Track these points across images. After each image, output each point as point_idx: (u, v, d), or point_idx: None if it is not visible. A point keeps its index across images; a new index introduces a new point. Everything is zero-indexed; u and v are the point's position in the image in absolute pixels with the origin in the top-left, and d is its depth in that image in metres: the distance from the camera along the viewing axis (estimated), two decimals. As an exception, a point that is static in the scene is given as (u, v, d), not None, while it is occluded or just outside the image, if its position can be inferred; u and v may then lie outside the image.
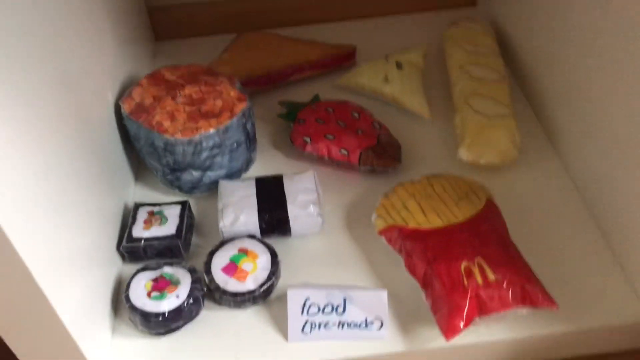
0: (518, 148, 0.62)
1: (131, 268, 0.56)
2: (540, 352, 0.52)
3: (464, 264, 0.49)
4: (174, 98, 0.59)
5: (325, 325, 0.50)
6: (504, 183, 0.62)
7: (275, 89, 0.75)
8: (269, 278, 0.52)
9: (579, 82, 0.57)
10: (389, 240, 0.55)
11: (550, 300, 0.48)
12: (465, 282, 0.48)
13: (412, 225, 0.53)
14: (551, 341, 0.51)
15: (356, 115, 0.66)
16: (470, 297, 0.47)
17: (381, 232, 0.56)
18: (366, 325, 0.50)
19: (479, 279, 0.48)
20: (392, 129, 0.68)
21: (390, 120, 0.69)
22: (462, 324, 0.46)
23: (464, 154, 0.61)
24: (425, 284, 0.50)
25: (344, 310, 0.50)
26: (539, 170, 0.63)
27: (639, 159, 0.49)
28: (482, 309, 0.47)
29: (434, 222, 0.53)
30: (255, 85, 0.73)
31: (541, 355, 0.52)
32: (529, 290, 0.48)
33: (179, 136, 0.57)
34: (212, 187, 0.61)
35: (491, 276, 0.48)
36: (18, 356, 0.46)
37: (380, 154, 0.63)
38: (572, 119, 0.61)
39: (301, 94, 0.73)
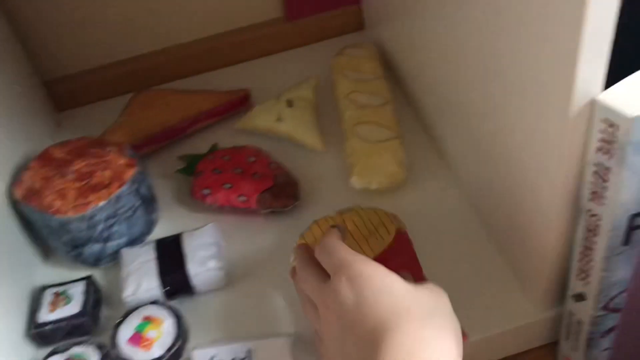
0: (405, 168, 0.64)
1: (46, 352, 0.56)
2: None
3: None
4: (63, 176, 0.60)
5: (234, 379, 0.52)
6: (398, 205, 0.64)
7: (176, 144, 0.76)
8: (174, 342, 0.53)
9: (458, 96, 0.59)
10: None
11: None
12: None
13: None
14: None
15: (252, 159, 0.67)
16: None
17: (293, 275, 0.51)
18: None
19: None
20: (291, 165, 0.69)
21: (288, 158, 0.70)
22: None
23: (355, 181, 0.63)
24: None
25: (251, 361, 0.52)
26: (430, 187, 0.65)
27: (518, 173, 0.51)
28: None
29: None
30: (154, 143, 0.74)
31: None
32: None
33: (70, 214, 0.58)
34: (117, 257, 0.62)
35: None
36: None
37: (278, 194, 0.64)
38: (456, 132, 0.63)
39: (202, 144, 0.74)
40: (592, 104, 0.38)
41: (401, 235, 0.55)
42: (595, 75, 0.37)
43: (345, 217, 0.56)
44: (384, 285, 0.39)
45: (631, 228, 0.41)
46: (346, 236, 0.50)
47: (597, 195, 0.41)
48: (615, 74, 0.38)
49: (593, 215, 0.42)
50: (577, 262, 0.46)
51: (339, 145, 0.71)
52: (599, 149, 0.39)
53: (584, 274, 0.45)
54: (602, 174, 0.40)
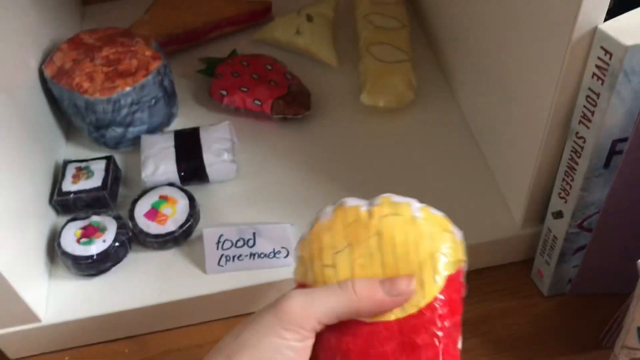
0: (414, 90, 0.68)
1: (65, 220, 0.61)
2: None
3: None
4: (92, 60, 0.64)
5: (239, 257, 0.57)
6: (402, 123, 0.68)
7: (196, 47, 0.79)
8: (187, 220, 0.58)
9: (472, 27, 0.63)
10: None
11: None
12: None
13: None
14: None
15: (269, 67, 0.71)
16: None
17: (296, 284, 0.38)
18: (274, 255, 0.57)
19: None
20: (304, 78, 0.73)
21: (302, 71, 0.74)
22: None
23: (364, 98, 0.67)
24: None
25: (254, 243, 0.57)
26: (434, 110, 0.70)
27: (516, 97, 0.55)
28: None
29: None
30: (176, 44, 0.77)
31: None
32: None
33: (97, 95, 0.62)
34: (136, 142, 0.66)
35: None
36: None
37: (291, 102, 0.68)
38: (463, 57, 0.67)
39: (221, 50, 0.77)
40: (593, 32, 0.42)
41: (455, 281, 0.37)
42: (599, 6, 0.41)
43: (384, 226, 0.37)
44: None
45: (613, 152, 0.46)
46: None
47: (585, 119, 0.45)
48: (616, 10, 0.42)
49: (580, 138, 0.46)
50: (560, 182, 0.51)
51: (353, 64, 0.75)
52: (594, 75, 0.43)
53: (565, 192, 0.50)
54: (592, 99, 0.44)
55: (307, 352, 0.34)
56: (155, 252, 0.59)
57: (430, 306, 0.36)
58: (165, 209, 0.59)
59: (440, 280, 0.36)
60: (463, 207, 0.60)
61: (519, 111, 0.54)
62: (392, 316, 0.36)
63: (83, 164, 0.63)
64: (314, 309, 0.33)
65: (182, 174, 0.62)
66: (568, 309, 0.58)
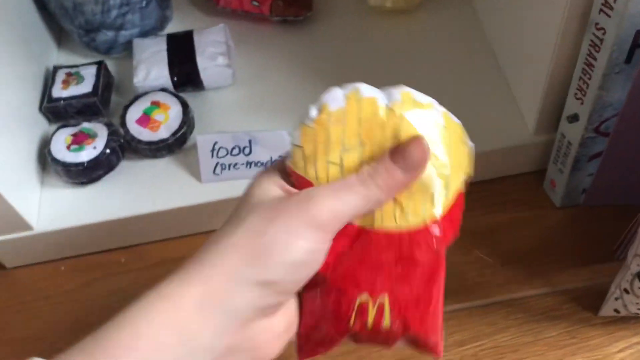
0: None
1: (55, 127, 0.59)
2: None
3: (361, 299, 0.34)
4: (78, -43, 0.59)
5: (235, 166, 0.54)
6: (411, 25, 0.64)
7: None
8: (180, 127, 0.56)
9: None
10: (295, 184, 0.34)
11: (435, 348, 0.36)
12: (352, 321, 0.34)
13: None
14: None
15: (269, -34, 0.66)
16: (348, 336, 0.35)
17: (292, 174, 0.34)
18: (272, 163, 0.54)
19: (370, 322, 0.34)
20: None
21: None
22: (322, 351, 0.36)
23: (370, -2, 0.63)
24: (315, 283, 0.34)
25: (250, 151, 0.54)
26: (446, 11, 0.65)
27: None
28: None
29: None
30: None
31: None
32: (422, 338, 0.35)
33: (84, -5, 0.58)
34: (129, 47, 0.63)
35: (386, 322, 0.34)
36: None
37: (291, 2, 0.64)
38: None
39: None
40: None
41: (461, 194, 0.35)
42: None
43: (402, 127, 0.33)
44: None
45: (636, 45, 0.41)
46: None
47: (607, 6, 0.41)
48: None
49: (599, 29, 0.42)
50: (577, 82, 0.47)
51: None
52: (618, -46, 0.38)
53: (581, 92, 0.46)
54: (616, -18, 0.39)
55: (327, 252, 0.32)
56: (148, 160, 0.57)
57: (435, 221, 0.33)
58: (157, 115, 0.56)
59: (452, 196, 0.34)
60: (474, 113, 0.56)
61: (534, 3, 0.49)
62: (393, 223, 0.33)
63: (73, 70, 0.60)
64: (341, 212, 0.31)
65: (175, 79, 0.59)
66: (581, 220, 0.55)
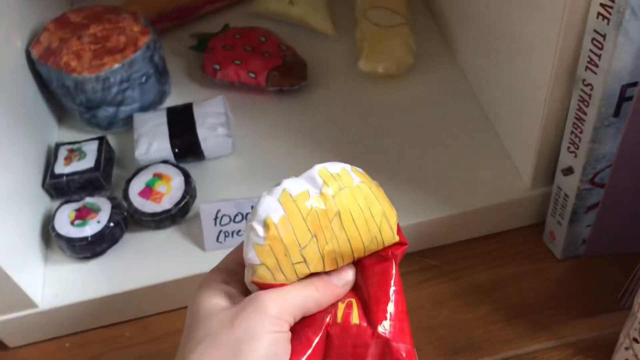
0: (413, 54, 0.65)
1: (58, 203, 0.60)
2: (435, 238, 0.57)
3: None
4: (79, 38, 0.62)
5: (237, 233, 0.55)
6: (403, 88, 0.66)
7: (189, 23, 0.77)
8: (183, 197, 0.57)
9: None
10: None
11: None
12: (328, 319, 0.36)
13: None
14: (446, 223, 0.56)
15: (263, 39, 0.69)
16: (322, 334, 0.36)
17: (262, 286, 0.35)
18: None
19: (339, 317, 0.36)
20: (300, 49, 0.70)
21: (298, 41, 0.71)
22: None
23: (363, 64, 0.65)
24: None
25: (253, 217, 0.55)
26: (436, 74, 0.67)
27: (519, 49, 0.52)
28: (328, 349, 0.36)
29: (329, 267, 0.37)
30: (168, 21, 0.75)
31: (438, 241, 0.57)
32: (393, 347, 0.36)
33: (86, 74, 0.60)
34: (129, 122, 0.64)
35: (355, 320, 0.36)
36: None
37: (286, 73, 0.66)
38: (464, 19, 0.64)
39: (213, 25, 0.75)
40: (596, -32, 0.39)
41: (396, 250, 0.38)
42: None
43: (341, 203, 0.36)
44: None
45: (622, 99, 0.43)
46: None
47: (592, 64, 0.43)
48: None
49: (587, 85, 0.44)
50: (569, 135, 0.48)
51: (349, 31, 0.72)
52: (599, 15, 0.40)
53: (574, 145, 0.48)
54: (599, 41, 0.41)
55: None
56: (152, 231, 0.57)
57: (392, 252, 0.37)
58: (160, 187, 0.57)
59: (395, 232, 0.37)
60: (470, 172, 0.58)
61: (522, 63, 0.51)
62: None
63: (75, 146, 0.62)
64: (288, 305, 0.34)
65: (177, 150, 0.60)
66: (583, 271, 0.55)
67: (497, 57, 0.56)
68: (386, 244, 0.37)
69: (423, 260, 0.57)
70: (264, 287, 0.35)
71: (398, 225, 0.38)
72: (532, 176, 0.54)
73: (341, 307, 0.36)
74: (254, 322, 0.33)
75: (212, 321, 0.34)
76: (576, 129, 0.47)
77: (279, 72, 0.66)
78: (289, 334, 0.34)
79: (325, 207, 0.35)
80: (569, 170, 0.50)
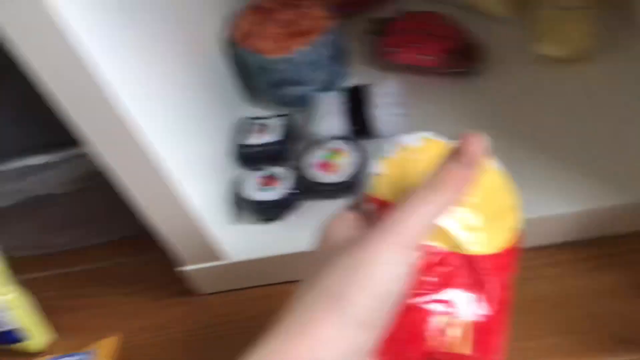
0: (595, 39, 0.63)
1: (247, 170, 0.67)
2: (605, 227, 0.56)
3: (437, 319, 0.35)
4: (271, 23, 0.68)
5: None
6: (582, 77, 0.64)
7: (370, 10, 0.81)
8: (357, 171, 0.61)
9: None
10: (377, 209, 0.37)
11: None
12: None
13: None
14: (616, 213, 0.55)
15: (439, 22, 0.71)
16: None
17: (374, 201, 0.38)
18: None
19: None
20: (475, 31, 0.71)
21: (472, 25, 0.72)
22: None
23: (540, 48, 0.64)
24: None
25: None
26: (617, 61, 0.64)
27: None
28: None
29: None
30: (350, 7, 0.79)
31: (607, 230, 0.56)
32: None
33: (278, 55, 0.66)
34: (311, 100, 0.70)
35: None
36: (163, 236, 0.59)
37: (463, 55, 0.68)
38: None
39: (390, 11, 0.78)
40: None
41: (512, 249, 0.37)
42: None
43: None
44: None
45: None
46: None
47: None
48: None
49: None
50: None
51: (520, 13, 0.71)
52: None
53: None
54: None
55: None
56: (327, 201, 0.62)
57: (501, 253, 0.35)
58: (336, 160, 0.62)
59: (516, 233, 0.36)
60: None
61: None
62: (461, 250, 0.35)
63: (265, 121, 0.69)
64: (410, 230, 0.33)
65: (353, 128, 0.64)
66: None
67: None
68: (502, 236, 0.35)
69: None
70: (378, 204, 0.36)
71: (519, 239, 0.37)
72: None
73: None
74: (373, 249, 0.32)
75: (334, 248, 0.35)
76: None
77: (456, 54, 0.67)
78: (412, 262, 0.32)
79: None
80: None
